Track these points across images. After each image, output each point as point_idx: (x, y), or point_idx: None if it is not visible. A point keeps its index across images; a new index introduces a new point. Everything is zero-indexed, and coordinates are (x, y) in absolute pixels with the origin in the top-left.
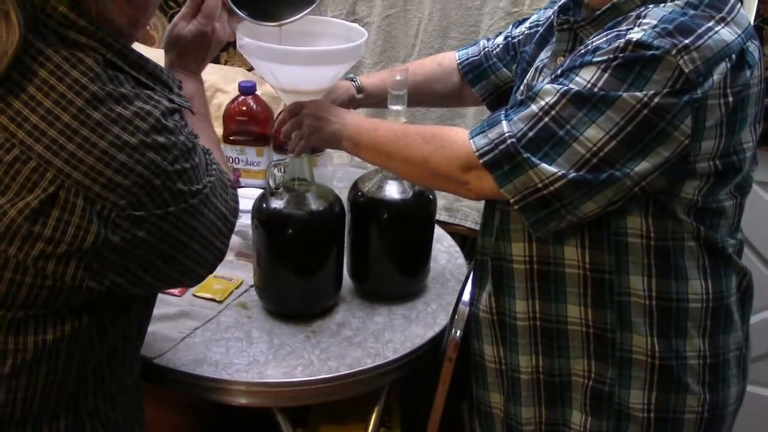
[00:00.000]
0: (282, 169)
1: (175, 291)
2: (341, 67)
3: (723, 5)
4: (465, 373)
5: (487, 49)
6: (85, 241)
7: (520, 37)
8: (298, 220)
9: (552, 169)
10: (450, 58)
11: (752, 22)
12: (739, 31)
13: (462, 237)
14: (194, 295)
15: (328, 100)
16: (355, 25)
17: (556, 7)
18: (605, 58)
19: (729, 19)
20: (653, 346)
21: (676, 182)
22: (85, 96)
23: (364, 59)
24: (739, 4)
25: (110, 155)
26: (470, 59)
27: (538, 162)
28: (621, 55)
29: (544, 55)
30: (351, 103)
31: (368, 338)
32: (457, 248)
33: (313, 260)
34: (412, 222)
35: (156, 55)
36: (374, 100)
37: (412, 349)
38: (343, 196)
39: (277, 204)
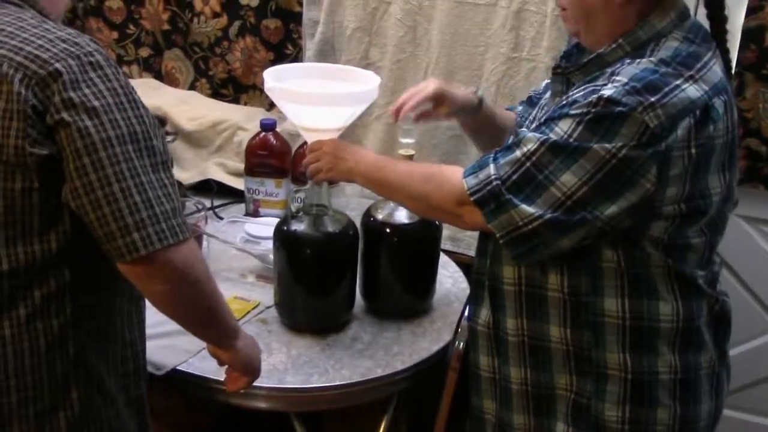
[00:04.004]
0: (301, 197)
1: None
2: (357, 108)
3: (695, 62)
4: (468, 391)
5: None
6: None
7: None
8: (315, 241)
9: (530, 210)
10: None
11: (733, 68)
12: (707, 88)
13: (466, 265)
14: None
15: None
16: (370, 72)
17: (561, 53)
18: (580, 111)
19: (698, 77)
20: (626, 362)
21: (644, 223)
22: None
23: (376, 100)
24: (713, 61)
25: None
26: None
27: (519, 203)
28: (593, 110)
29: (547, 94)
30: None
31: (378, 351)
32: (461, 274)
33: (329, 279)
34: (419, 245)
35: (181, 95)
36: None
37: (419, 361)
38: (357, 222)
39: (297, 227)
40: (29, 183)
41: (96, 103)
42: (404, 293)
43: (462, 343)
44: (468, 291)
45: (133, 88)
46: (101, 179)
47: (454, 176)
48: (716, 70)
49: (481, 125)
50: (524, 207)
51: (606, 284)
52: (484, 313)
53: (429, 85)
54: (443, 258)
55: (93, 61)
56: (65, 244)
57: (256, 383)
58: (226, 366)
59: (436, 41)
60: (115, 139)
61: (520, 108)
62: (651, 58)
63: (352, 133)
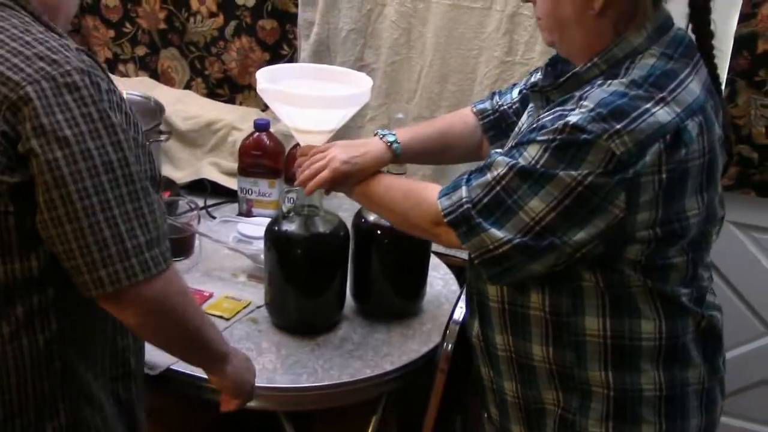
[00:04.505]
0: (293, 198)
1: None
2: (348, 110)
3: (669, 82)
4: (457, 389)
5: (503, 107)
6: None
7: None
8: (306, 242)
9: (499, 234)
10: (472, 118)
11: (725, 76)
12: (679, 110)
13: (457, 267)
14: (205, 312)
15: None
16: (362, 74)
17: (547, 60)
18: (546, 138)
19: (670, 98)
20: (608, 380)
21: (618, 247)
22: None
23: (369, 102)
24: (690, 78)
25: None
26: (489, 118)
27: (489, 227)
28: (559, 137)
29: (533, 104)
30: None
31: (368, 352)
32: (452, 276)
33: (320, 279)
34: (410, 247)
35: (177, 95)
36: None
37: (408, 362)
38: (348, 224)
39: (288, 227)
40: (3, 207)
41: (68, 132)
42: (394, 295)
43: (451, 345)
44: (458, 293)
45: (117, 103)
46: (69, 214)
47: (431, 196)
48: (693, 89)
49: (419, 159)
50: (494, 231)
51: (587, 303)
52: (476, 326)
53: (325, 173)
54: (434, 260)
55: (69, 82)
56: (46, 264)
57: None
58: None
59: (431, 44)
60: (86, 171)
61: (508, 96)
62: (623, 79)
63: (344, 135)
